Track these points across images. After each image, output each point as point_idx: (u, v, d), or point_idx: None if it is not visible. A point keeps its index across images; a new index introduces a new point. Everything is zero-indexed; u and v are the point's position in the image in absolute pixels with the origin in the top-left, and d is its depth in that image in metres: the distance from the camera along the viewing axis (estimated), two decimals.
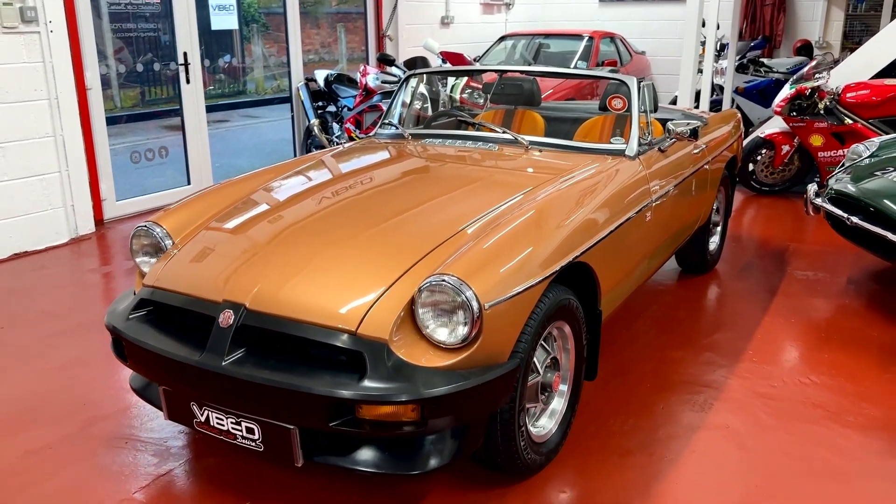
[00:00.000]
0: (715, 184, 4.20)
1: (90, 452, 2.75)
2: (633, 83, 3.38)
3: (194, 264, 2.55)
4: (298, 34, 7.55)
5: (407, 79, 3.98)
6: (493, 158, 3.28)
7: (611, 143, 3.34)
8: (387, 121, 3.87)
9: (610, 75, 3.61)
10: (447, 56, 7.23)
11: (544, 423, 2.63)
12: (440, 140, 3.54)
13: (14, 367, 3.45)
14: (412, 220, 2.63)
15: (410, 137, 3.64)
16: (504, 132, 3.47)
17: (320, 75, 7.52)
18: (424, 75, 4.07)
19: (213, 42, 7.56)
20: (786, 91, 6.15)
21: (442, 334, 2.16)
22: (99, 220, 5.74)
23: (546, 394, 2.59)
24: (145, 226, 2.76)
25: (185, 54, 6.31)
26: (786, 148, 6.31)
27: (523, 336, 2.31)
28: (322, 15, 8.74)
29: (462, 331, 2.14)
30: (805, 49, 9.45)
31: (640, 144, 3.27)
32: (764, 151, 6.45)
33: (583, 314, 2.67)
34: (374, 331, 2.15)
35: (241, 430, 2.26)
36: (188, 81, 6.38)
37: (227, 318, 2.25)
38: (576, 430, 2.83)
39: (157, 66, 6.34)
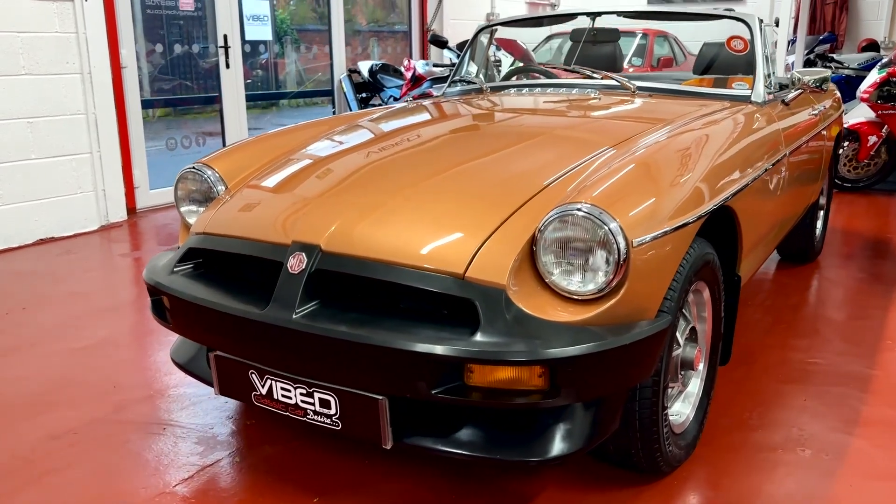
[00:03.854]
0: (828, 157, 3.68)
1: (121, 439, 2.29)
2: (754, 21, 2.91)
3: (252, 207, 2.10)
4: (342, 19, 7.19)
5: (477, 34, 3.54)
6: (600, 107, 2.78)
7: (733, 88, 2.86)
8: (456, 78, 3.43)
9: (726, 14, 3.13)
10: (501, 43, 6.83)
11: (680, 409, 2.12)
12: (528, 89, 3.07)
13: (35, 347, 3.02)
14: (519, 158, 2.15)
15: (489, 90, 3.18)
16: (604, 76, 3.00)
17: (364, 66, 7.15)
18: (495, 28, 3.61)
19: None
20: (874, 76, 5.62)
21: (574, 282, 1.68)
22: (131, 209, 5.34)
23: (684, 372, 2.09)
24: (194, 167, 2.32)
25: (225, 37, 5.96)
26: (873, 139, 5.77)
27: (670, 291, 1.81)
28: (354, 33, 8.35)
29: (602, 277, 1.66)
30: (871, 48, 8.92)
31: (766, 91, 2.78)
32: (847, 143, 5.91)
33: (723, 277, 2.17)
34: (487, 274, 1.67)
35: (313, 404, 1.78)
36: (228, 66, 6.02)
37: (298, 261, 1.78)
38: (708, 423, 2.32)
39: (195, 49, 5.98)
